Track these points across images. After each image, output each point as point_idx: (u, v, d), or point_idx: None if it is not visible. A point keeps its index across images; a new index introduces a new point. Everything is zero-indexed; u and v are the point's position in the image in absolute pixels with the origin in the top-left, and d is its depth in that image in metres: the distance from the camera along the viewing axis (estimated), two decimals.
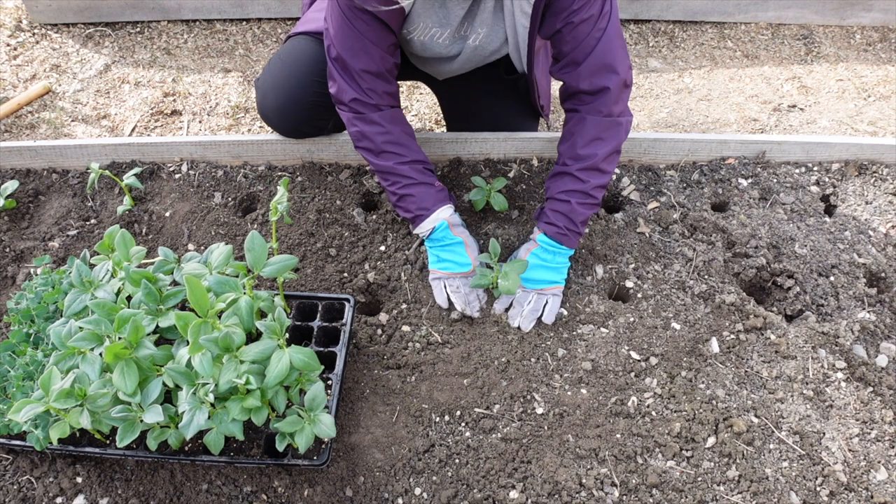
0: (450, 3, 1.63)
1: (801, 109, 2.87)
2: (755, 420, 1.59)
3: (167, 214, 2.03)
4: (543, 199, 1.88)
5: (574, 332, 1.75)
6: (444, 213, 1.80)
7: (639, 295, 1.82)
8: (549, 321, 1.75)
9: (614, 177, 2.10)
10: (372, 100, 1.71)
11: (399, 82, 1.89)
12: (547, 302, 1.76)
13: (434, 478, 1.51)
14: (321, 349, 1.61)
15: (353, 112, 1.74)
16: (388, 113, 1.75)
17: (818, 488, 1.49)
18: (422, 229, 1.81)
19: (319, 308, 1.69)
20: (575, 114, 1.71)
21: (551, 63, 1.73)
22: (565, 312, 1.79)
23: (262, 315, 1.48)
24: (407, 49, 1.82)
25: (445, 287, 1.79)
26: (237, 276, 1.42)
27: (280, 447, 1.40)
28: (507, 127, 2.10)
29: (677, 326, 1.75)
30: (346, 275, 1.87)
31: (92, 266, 1.51)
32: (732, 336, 1.74)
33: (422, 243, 1.92)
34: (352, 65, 1.66)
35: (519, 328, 1.75)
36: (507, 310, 1.79)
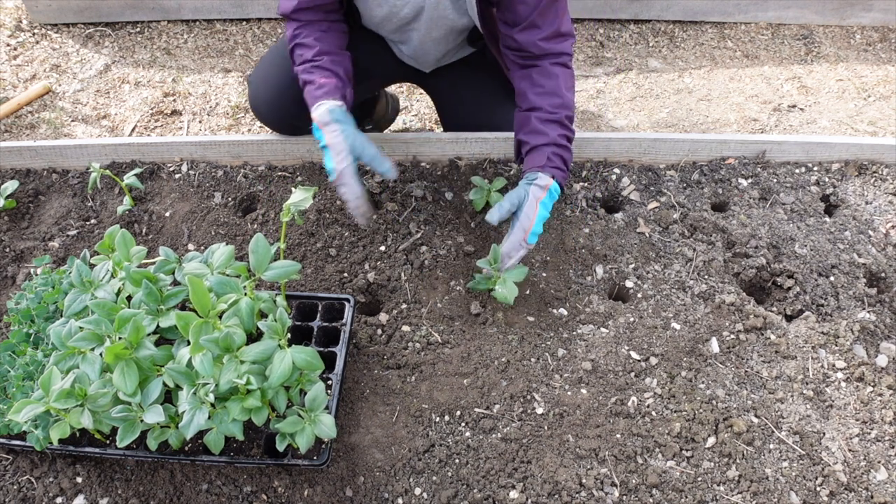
0: None
1: (801, 109, 2.87)
2: (755, 420, 1.59)
3: (167, 214, 2.03)
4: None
5: (574, 332, 1.75)
6: (316, 112, 1.67)
7: (639, 295, 1.82)
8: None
9: (614, 177, 2.10)
10: (301, 19, 1.73)
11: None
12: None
13: (434, 478, 1.51)
14: (321, 349, 1.61)
15: (291, 29, 1.76)
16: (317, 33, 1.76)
17: (818, 488, 1.49)
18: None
19: (319, 308, 1.69)
20: (535, 69, 1.75)
21: (503, 26, 1.74)
22: (565, 312, 1.79)
23: (263, 316, 1.48)
24: (367, 12, 1.82)
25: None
26: (238, 277, 1.42)
27: (280, 447, 1.40)
28: (494, 113, 2.09)
29: (677, 326, 1.75)
30: (346, 275, 1.87)
31: (92, 266, 1.51)
32: (732, 336, 1.74)
33: (415, 242, 1.93)
34: None
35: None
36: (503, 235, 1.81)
